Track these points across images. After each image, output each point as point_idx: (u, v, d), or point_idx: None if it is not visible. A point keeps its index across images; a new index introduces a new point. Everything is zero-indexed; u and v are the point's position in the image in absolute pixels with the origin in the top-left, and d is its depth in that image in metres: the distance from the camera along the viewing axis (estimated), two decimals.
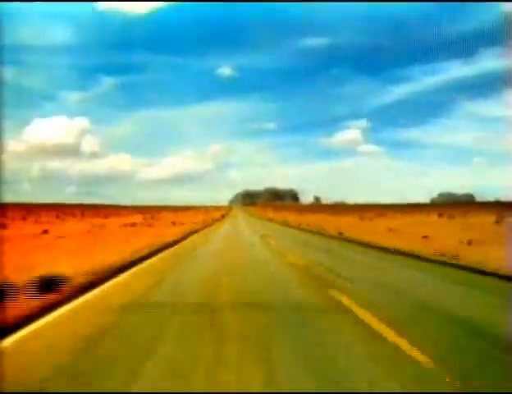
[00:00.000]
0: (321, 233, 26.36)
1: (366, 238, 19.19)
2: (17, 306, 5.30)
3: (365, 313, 5.35)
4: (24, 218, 44.43)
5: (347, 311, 5.54)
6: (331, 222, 39.99)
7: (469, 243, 15.55)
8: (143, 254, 12.11)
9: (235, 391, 3.06)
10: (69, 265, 8.23)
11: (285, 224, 43.08)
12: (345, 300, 6.09)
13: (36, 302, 5.62)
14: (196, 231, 26.96)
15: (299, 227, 35.28)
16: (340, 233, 23.73)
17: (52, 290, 6.14)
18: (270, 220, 60.52)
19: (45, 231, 22.30)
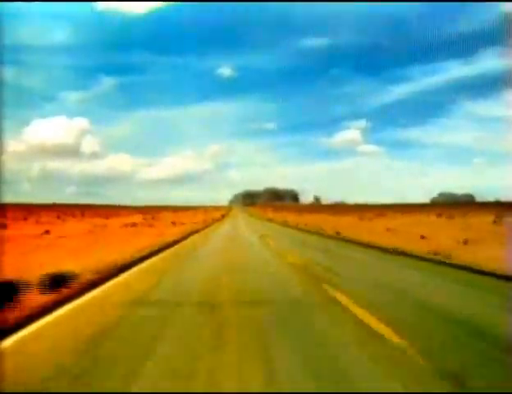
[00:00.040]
0: (320, 233, 26.59)
1: (364, 238, 19.43)
2: (35, 299, 5.80)
3: (349, 300, 6.22)
4: (25, 219, 44.63)
5: (336, 302, 6.24)
6: (331, 222, 40.23)
7: (465, 242, 15.80)
8: (145, 253, 12.35)
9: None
10: (75, 264, 8.50)
11: (285, 224, 43.30)
12: (331, 290, 6.99)
13: (51, 296, 6.07)
14: (196, 231, 27.19)
15: (298, 227, 35.50)
16: (338, 233, 24.01)
17: (63, 286, 6.47)
18: (270, 220, 60.71)
19: (47, 232, 22.54)
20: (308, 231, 28.95)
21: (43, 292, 6.18)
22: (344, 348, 4.14)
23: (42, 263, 8.60)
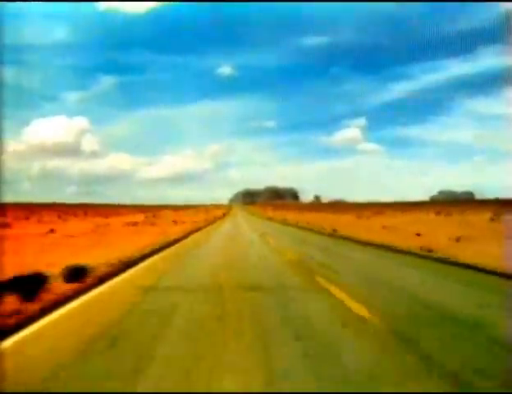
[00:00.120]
0: (319, 231, 27.09)
1: (362, 236, 19.93)
2: (64, 287, 6.71)
3: (335, 287, 7.17)
4: (26, 218, 45.17)
5: (324, 289, 7.11)
6: (330, 221, 40.77)
7: (458, 240, 16.29)
8: (149, 250, 12.93)
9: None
10: (88, 259, 9.09)
11: (285, 223, 43.80)
12: (322, 280, 7.84)
13: (75, 285, 6.84)
14: (197, 230, 27.69)
15: (297, 226, 36.01)
16: (335, 230, 24.63)
17: (83, 277, 7.03)
18: (270, 219, 61.20)
19: (52, 231, 23.05)
20: (308, 229, 29.48)
21: (68, 282, 6.91)
22: (321, 312, 5.40)
23: (56, 259, 9.15)
